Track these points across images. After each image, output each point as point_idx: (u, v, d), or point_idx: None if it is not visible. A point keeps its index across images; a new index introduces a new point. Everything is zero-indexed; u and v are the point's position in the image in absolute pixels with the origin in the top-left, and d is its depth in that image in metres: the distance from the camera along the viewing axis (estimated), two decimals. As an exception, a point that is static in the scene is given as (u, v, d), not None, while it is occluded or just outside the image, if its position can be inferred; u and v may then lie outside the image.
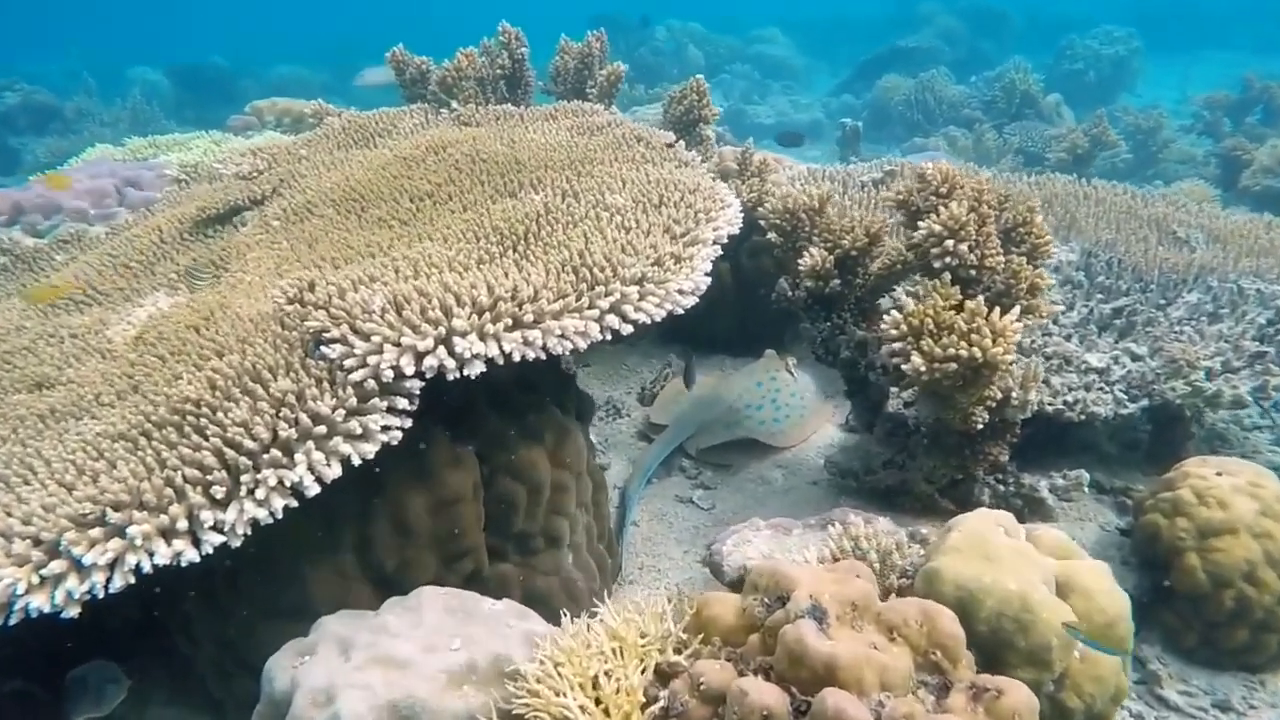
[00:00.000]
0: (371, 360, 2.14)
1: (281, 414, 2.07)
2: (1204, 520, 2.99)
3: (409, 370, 2.14)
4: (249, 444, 1.99)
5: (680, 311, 2.62)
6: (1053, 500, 3.32)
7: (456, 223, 3.03)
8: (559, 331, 2.30)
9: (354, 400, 2.12)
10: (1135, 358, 3.72)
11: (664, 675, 1.88)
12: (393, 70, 5.05)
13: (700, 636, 1.91)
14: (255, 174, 3.99)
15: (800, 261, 3.38)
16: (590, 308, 2.40)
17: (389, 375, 2.14)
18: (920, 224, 2.92)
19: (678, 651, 1.92)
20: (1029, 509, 3.32)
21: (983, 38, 18.55)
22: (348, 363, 2.15)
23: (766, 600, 1.86)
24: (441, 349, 2.17)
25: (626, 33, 17.39)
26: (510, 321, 2.26)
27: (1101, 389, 3.55)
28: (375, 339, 2.16)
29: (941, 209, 2.87)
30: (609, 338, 2.44)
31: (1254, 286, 4.04)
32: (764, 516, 3.69)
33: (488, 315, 2.23)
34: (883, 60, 16.21)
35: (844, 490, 3.70)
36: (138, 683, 2.69)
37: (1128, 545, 3.45)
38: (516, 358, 2.25)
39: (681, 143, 3.92)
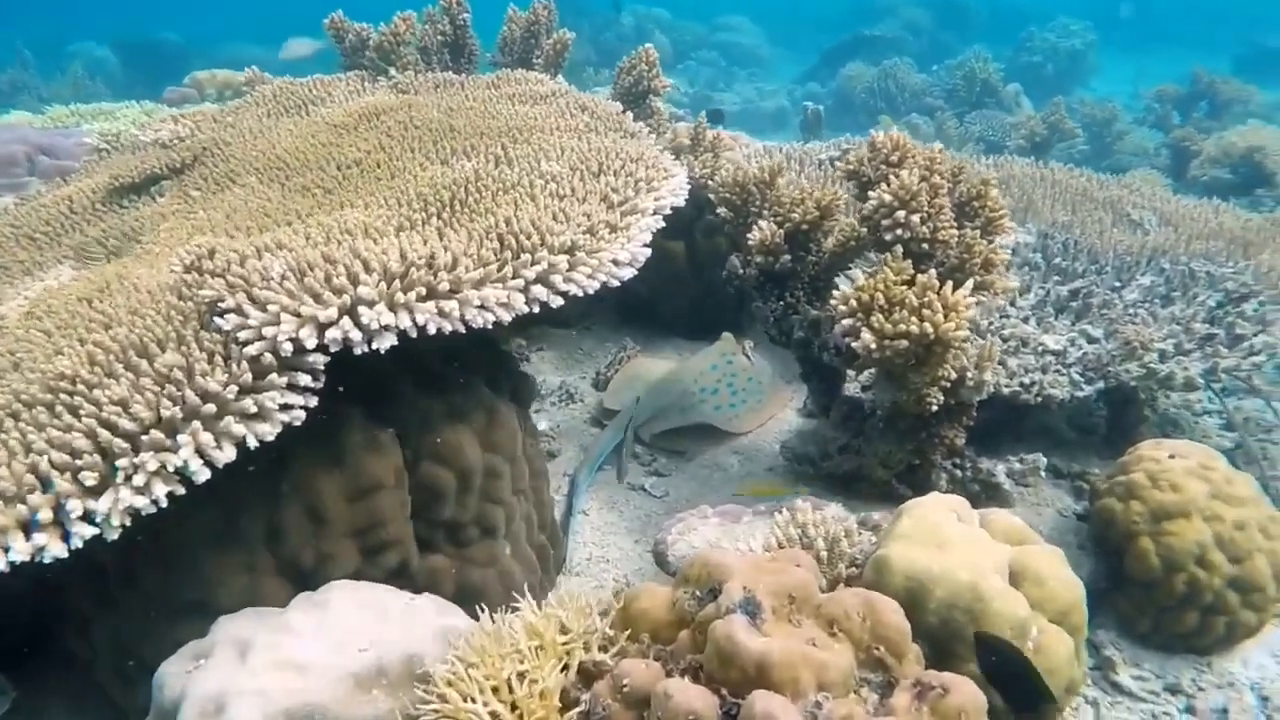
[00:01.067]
0: (268, 332, 1.94)
1: (166, 391, 1.87)
2: (1157, 504, 2.91)
3: (310, 343, 1.95)
4: (126, 424, 1.79)
5: (616, 284, 2.45)
6: (1010, 485, 3.21)
7: (381, 190, 2.83)
8: (478, 302, 2.12)
9: (249, 376, 1.93)
10: (1091, 340, 3.62)
11: (589, 675, 1.72)
12: (332, 37, 4.81)
13: (628, 633, 1.75)
14: (176, 141, 3.76)
15: (749, 236, 3.23)
16: (514, 277, 2.23)
17: (288, 349, 1.94)
18: (871, 194, 2.77)
19: (604, 649, 1.75)
20: (986, 494, 3.20)
21: (945, 29, 18.59)
22: (242, 335, 1.95)
23: (698, 593, 1.71)
24: (346, 320, 1.98)
25: (591, 16, 17.15)
26: (424, 291, 2.08)
27: (1058, 371, 3.44)
28: (272, 308, 1.97)
29: (892, 178, 2.73)
30: (536, 310, 2.27)
31: (1204, 269, 3.96)
32: (717, 504, 3.56)
33: (398, 284, 2.05)
34: (847, 48, 16.16)
35: (800, 477, 3.57)
36: (30, 693, 2.48)
37: (1085, 530, 3.36)
38: (431, 330, 2.07)
39: (629, 114, 3.74)
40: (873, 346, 2.51)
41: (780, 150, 4.93)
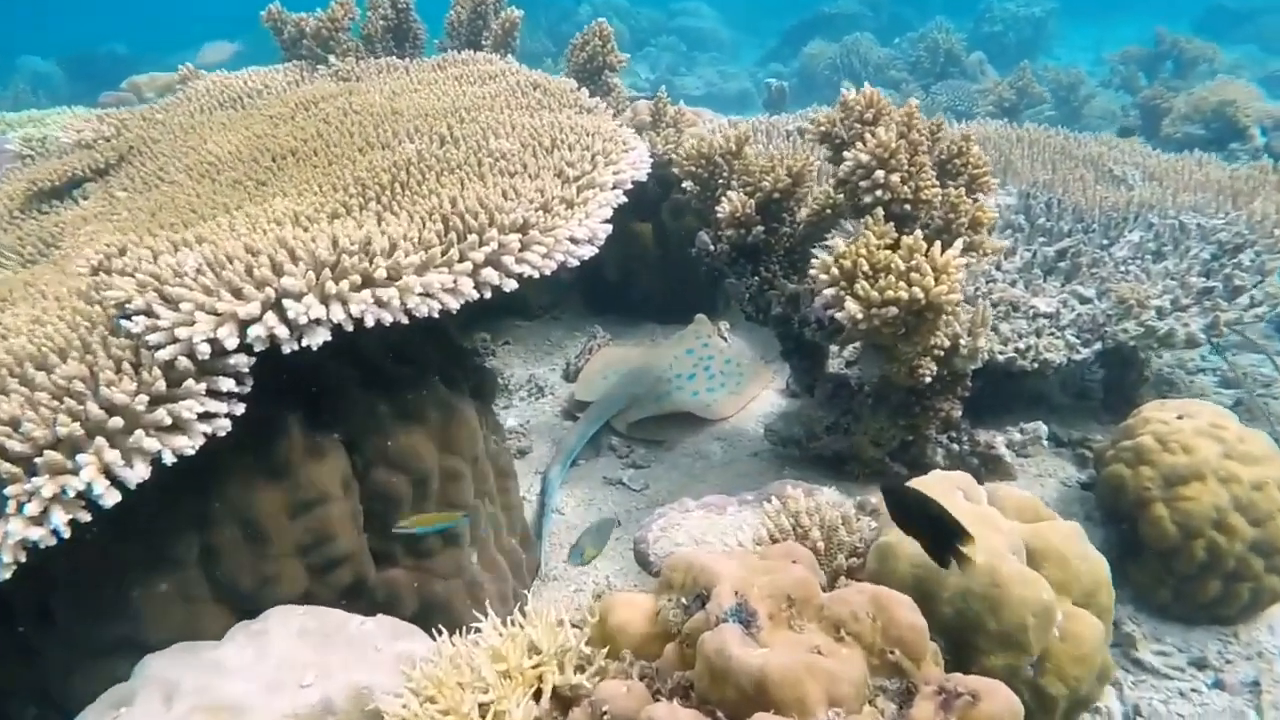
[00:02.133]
0: (182, 333, 1.71)
1: (65, 406, 1.63)
2: (1169, 467, 2.76)
3: (231, 343, 1.72)
4: (16, 446, 1.56)
5: (575, 263, 2.24)
6: (1011, 457, 3.02)
7: (317, 178, 2.59)
8: (420, 289, 1.90)
9: (161, 384, 1.69)
10: (1084, 300, 3.44)
11: (564, 701, 1.51)
12: (270, 30, 4.55)
13: (607, 650, 1.53)
14: (100, 140, 3.50)
15: (719, 209, 3.02)
16: (461, 260, 2.00)
17: (205, 351, 1.71)
18: (846, 155, 2.57)
19: (581, 670, 1.54)
20: (986, 468, 3.02)
21: (904, 3, 18.41)
22: (152, 338, 1.72)
23: (684, 600, 1.50)
24: (271, 315, 1.75)
25: (548, 8, 16.83)
26: (358, 279, 1.85)
27: (1053, 334, 3.26)
28: (186, 307, 1.73)
29: (868, 136, 2.52)
30: (487, 295, 2.05)
31: (1195, 221, 3.80)
32: (702, 495, 3.34)
33: (328, 273, 1.82)
34: (808, 27, 15.99)
35: (787, 460, 3.37)
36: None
37: (1091, 500, 3.19)
38: (370, 322, 1.85)
39: (585, 90, 3.52)
40: (859, 317, 2.30)
41: (746, 122, 4.72)
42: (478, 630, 1.65)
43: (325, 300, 1.82)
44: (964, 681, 1.36)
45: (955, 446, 3.07)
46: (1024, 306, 3.37)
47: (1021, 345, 3.06)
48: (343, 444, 2.17)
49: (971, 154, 2.76)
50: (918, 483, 2.08)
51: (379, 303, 1.86)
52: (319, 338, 1.80)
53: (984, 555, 1.83)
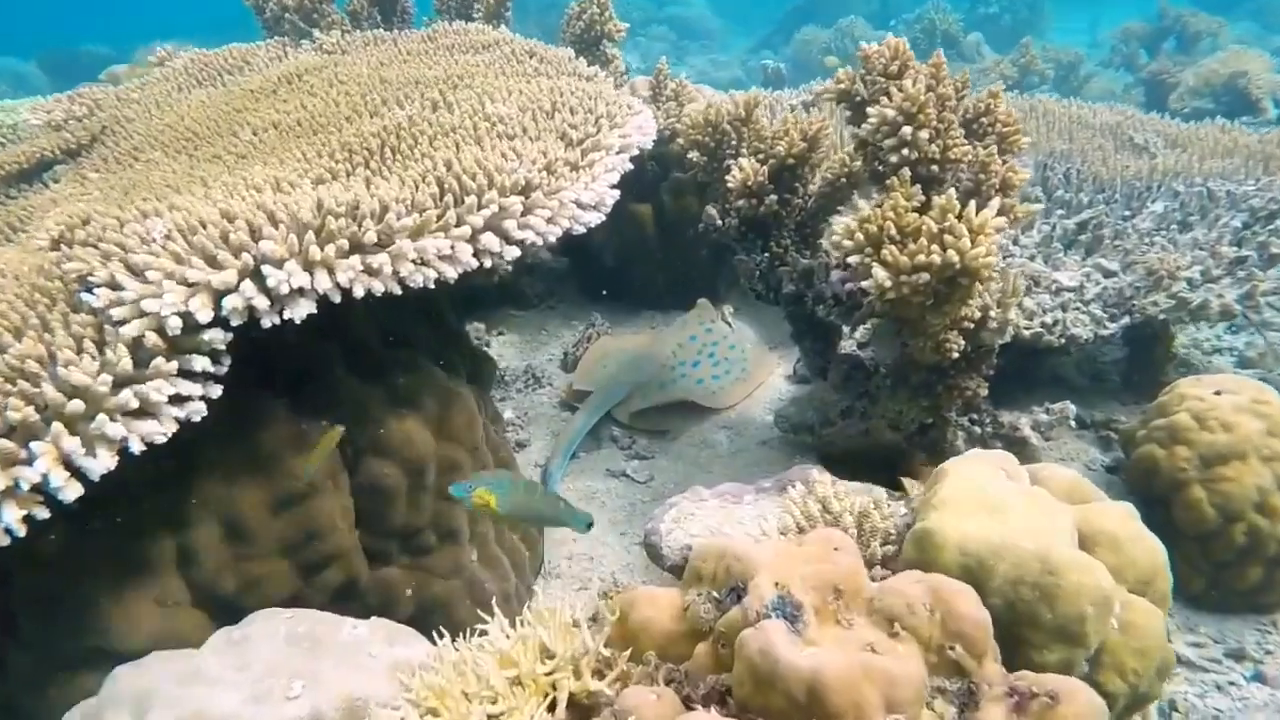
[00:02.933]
0: (149, 305, 1.53)
1: (19, 389, 1.45)
2: (1207, 446, 2.61)
3: (204, 316, 1.55)
4: (-41, 434, 1.38)
5: (581, 230, 2.07)
6: (1037, 439, 2.86)
7: (300, 146, 2.41)
8: (414, 255, 1.72)
9: (127, 364, 1.51)
10: (1108, 273, 3.28)
11: (583, 711, 1.34)
12: (251, 9, 4.37)
13: (629, 651, 1.37)
14: (71, 121, 3.31)
15: (729, 178, 2.84)
16: (458, 224, 1.83)
17: (175, 325, 1.54)
18: (870, 111, 2.40)
19: (600, 675, 1.38)
20: (1010, 450, 2.84)
21: (896, -12, 18.25)
22: (116, 312, 1.54)
23: (715, 594, 1.33)
24: (248, 284, 1.57)
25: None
26: (345, 244, 1.67)
27: (1078, 309, 3.10)
28: (154, 276, 1.56)
29: (894, 90, 2.35)
30: (488, 264, 1.88)
31: (1224, 189, 3.64)
32: (710, 485, 3.18)
33: (312, 237, 1.64)
34: (800, 12, 15.82)
35: (799, 447, 3.20)
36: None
37: (1118, 484, 3.04)
38: (359, 292, 1.67)
39: (582, 60, 3.35)
40: (887, 284, 2.14)
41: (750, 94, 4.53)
42: (483, 633, 1.48)
43: (309, 267, 1.64)
44: (1039, 681, 1.20)
45: (977, 429, 2.90)
46: (1045, 280, 3.21)
47: (1049, 320, 2.90)
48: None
49: (1000, 112, 2.59)
50: (958, 460, 1.92)
51: (369, 270, 1.69)
52: (303, 309, 1.63)
53: (1034, 540, 1.67)
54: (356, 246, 1.70)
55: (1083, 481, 1.91)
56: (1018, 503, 1.74)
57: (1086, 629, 1.60)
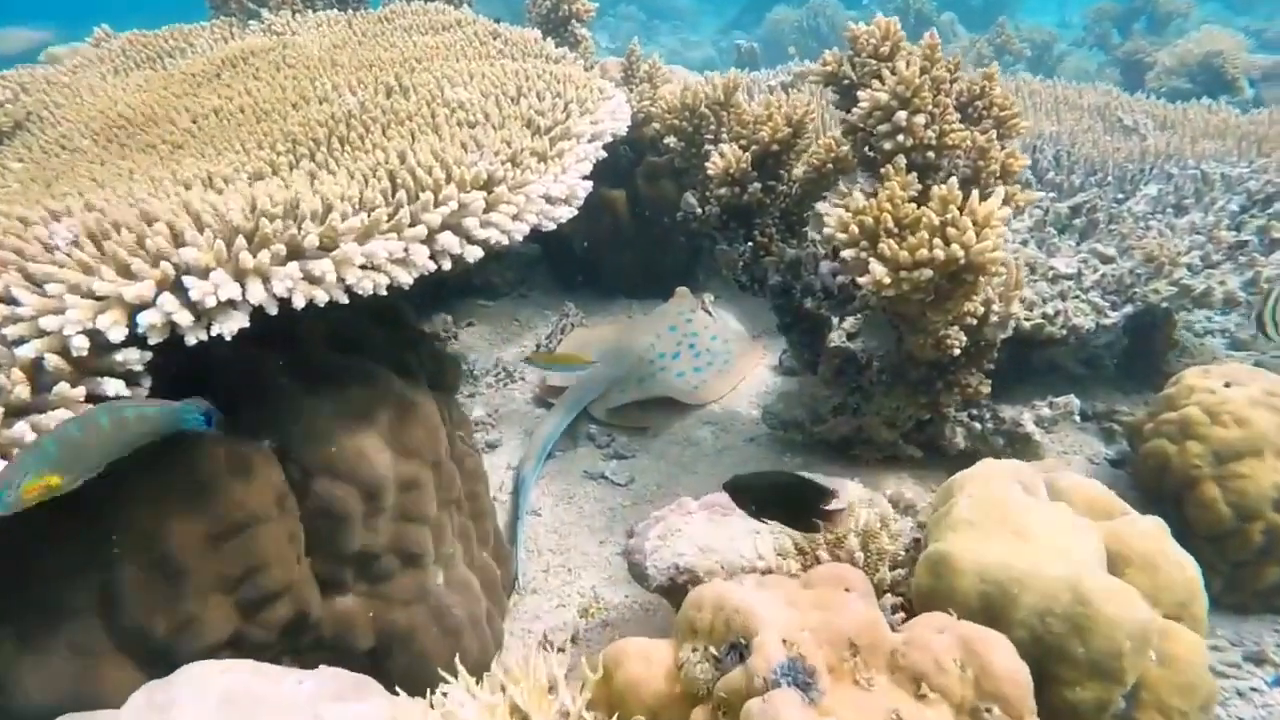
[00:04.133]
0: (49, 323, 1.32)
1: (-107, 424, 1.24)
2: (1220, 441, 2.48)
3: (116, 335, 1.34)
4: None
5: (550, 226, 1.87)
6: (1040, 435, 2.72)
7: (240, 136, 2.20)
8: (363, 260, 1.52)
9: (23, 391, 1.30)
10: (1106, 259, 3.14)
11: (560, 782, 1.16)
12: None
13: (615, 718, 1.19)
14: (-7, 108, 3.04)
15: (709, 165, 2.66)
16: (413, 224, 1.63)
17: (81, 345, 1.33)
18: (860, 95, 2.21)
19: (580, 741, 1.20)
20: (1013, 448, 2.71)
21: (868, -34, 18.07)
22: (10, 330, 1.33)
23: (714, 651, 1.15)
24: (168, 297, 1.37)
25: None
26: (283, 250, 1.47)
27: (1077, 298, 2.95)
28: (55, 289, 1.34)
29: (886, 73, 2.17)
30: (446, 266, 1.68)
31: (1218, 171, 3.51)
32: (694, 488, 2.99)
33: (243, 243, 1.43)
34: (771, -8, 15.60)
35: (788, 445, 3.04)
36: None
37: (1124, 479, 2.90)
38: (299, 302, 1.47)
39: (550, 40, 3.13)
40: (885, 281, 1.96)
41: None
42: (445, 695, 1.29)
43: (240, 276, 1.43)
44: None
45: (977, 425, 2.75)
46: (1041, 268, 3.06)
47: (1049, 310, 2.75)
48: (274, 452, 1.79)
49: (996, 95, 2.42)
50: (974, 474, 1.75)
51: (310, 278, 1.48)
52: (233, 324, 1.42)
53: (1063, 565, 1.51)
54: (296, 251, 1.50)
55: (1107, 494, 1.76)
56: (1042, 522, 1.58)
57: (1123, 664, 1.44)
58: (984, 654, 1.13)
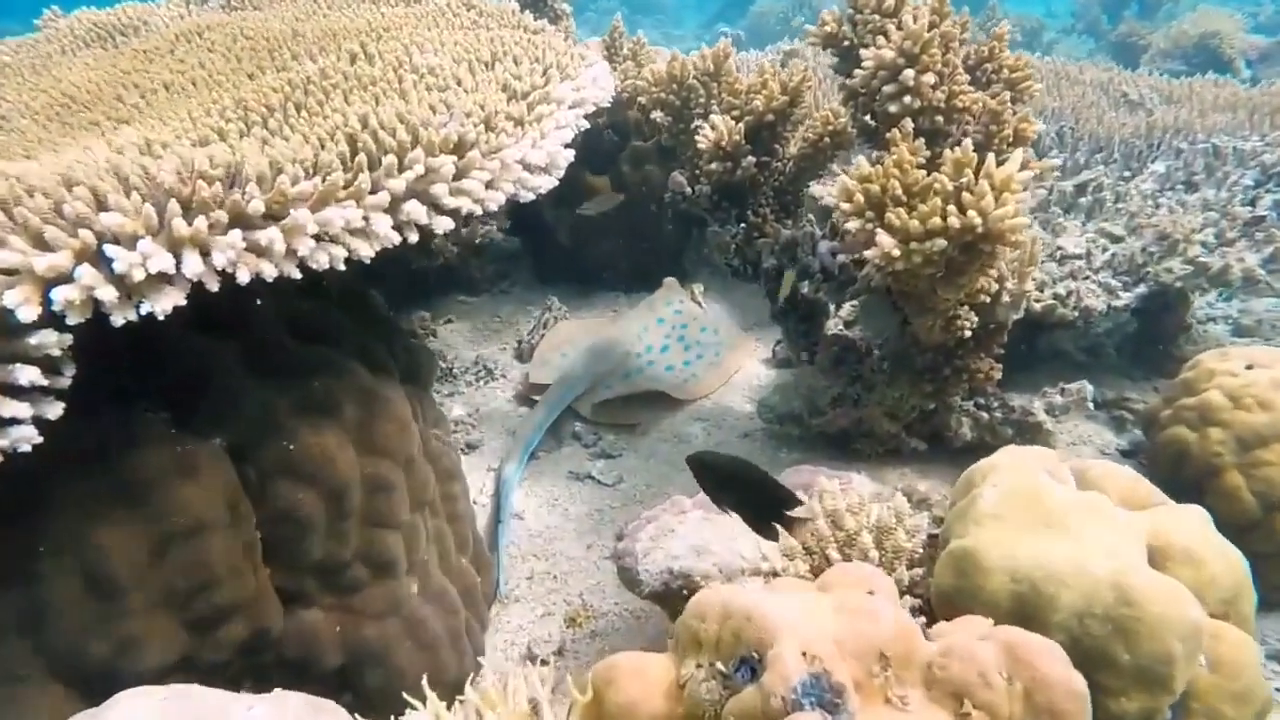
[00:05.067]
0: (-54, 302, 1.14)
1: None
2: (1244, 427, 2.35)
3: (27, 314, 1.16)
4: None
5: (529, 196, 1.70)
6: (1051, 424, 2.56)
7: (189, 106, 2.02)
8: (316, 229, 1.35)
9: (-83, 379, 1.12)
10: (1115, 239, 3.00)
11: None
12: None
13: (605, 745, 1.02)
14: (-69, 91, 2.84)
15: (699, 139, 2.49)
16: (374, 190, 1.45)
17: (-15, 326, 1.15)
18: (864, 54, 2.06)
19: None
20: (1023, 438, 2.55)
21: (851, -43, 17.96)
22: (-99, 311, 1.14)
23: (721, 667, 0.99)
24: (88, 270, 1.19)
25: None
26: (224, 216, 1.29)
27: (1087, 279, 2.81)
28: (-49, 262, 1.16)
29: (892, 29, 2.02)
30: (413, 238, 1.51)
31: (1230, 145, 3.37)
32: (685, 488, 2.81)
33: (177, 208, 1.25)
34: (755, -17, 15.48)
35: (785, 440, 2.88)
36: None
37: (1135, 469, 2.76)
38: (243, 277, 1.30)
39: (528, 13, 2.96)
40: (894, 254, 1.80)
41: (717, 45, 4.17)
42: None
43: (175, 247, 1.26)
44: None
45: (985, 415, 2.60)
46: (1049, 248, 2.91)
47: (1060, 290, 2.60)
48: (226, 451, 1.61)
49: (1005, 58, 2.27)
50: (997, 462, 1.60)
51: (255, 249, 1.31)
52: (167, 301, 1.24)
53: (1104, 561, 1.35)
54: (239, 219, 1.32)
55: (1142, 482, 1.61)
56: (1077, 513, 1.42)
57: (1173, 671, 1.29)
58: (1034, 663, 0.97)
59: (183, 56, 2.63)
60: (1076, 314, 2.63)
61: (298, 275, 1.36)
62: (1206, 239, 2.86)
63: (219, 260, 1.27)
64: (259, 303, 1.75)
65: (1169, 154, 3.37)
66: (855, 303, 2.72)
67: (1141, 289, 2.76)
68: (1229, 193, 3.08)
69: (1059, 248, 2.90)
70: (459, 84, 1.95)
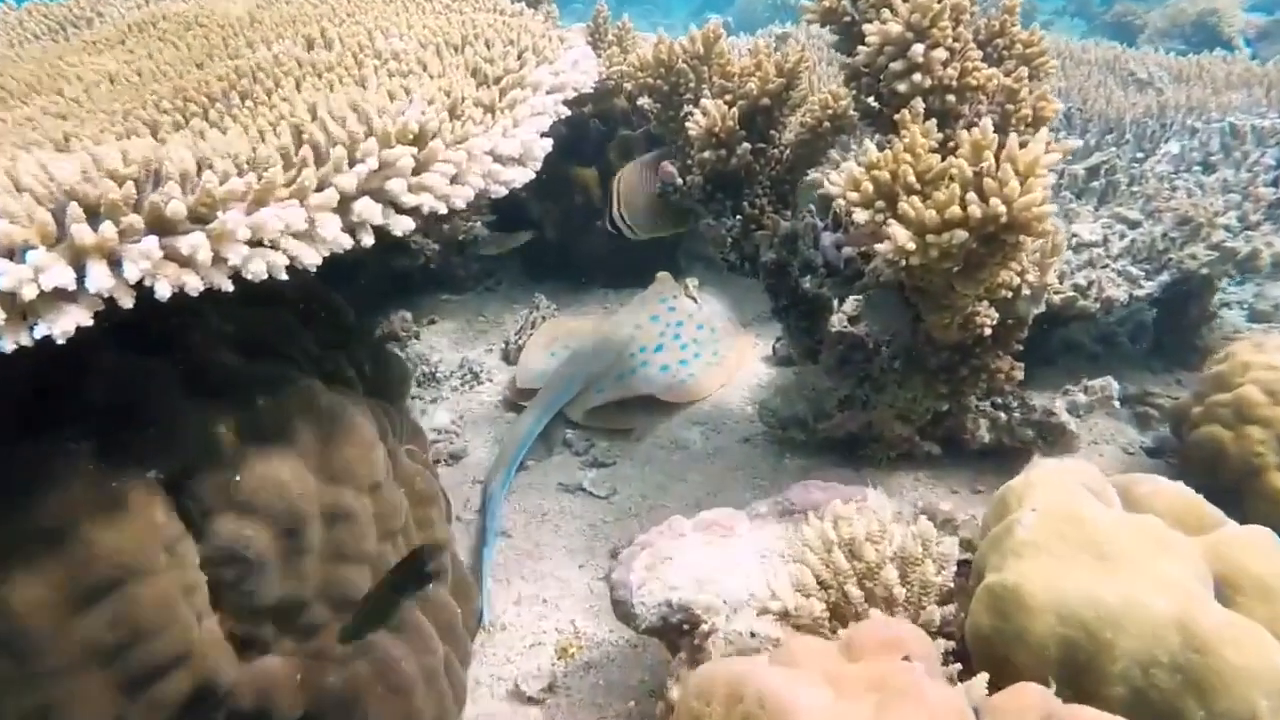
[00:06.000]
0: None
1: None
2: (1288, 424, 2.16)
3: (-109, 342, 0.97)
4: None
5: (501, 191, 1.52)
6: (1075, 425, 2.39)
7: (126, 100, 1.83)
8: (248, 234, 1.16)
9: None
10: (1132, 224, 2.82)
11: None
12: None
13: None
14: None
15: (690, 125, 2.31)
16: (321, 189, 1.27)
17: None
18: (867, 30, 1.87)
19: None
20: (1045, 440, 2.38)
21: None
22: None
23: (731, 762, 0.81)
24: (-35, 288, 1.00)
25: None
26: (139, 221, 1.10)
27: (1106, 267, 2.63)
28: None
29: (898, 1, 1.83)
30: (367, 241, 1.32)
31: (1249, 123, 3.20)
32: (684, 499, 2.65)
33: (78, 212, 1.06)
34: (742, -28, 15.28)
35: (789, 445, 2.70)
36: None
37: (1165, 470, 2.59)
38: (163, 291, 1.11)
39: (506, -4, 2.77)
40: (910, 248, 1.62)
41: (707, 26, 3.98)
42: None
43: (77, 257, 1.07)
44: None
45: (1003, 416, 2.42)
46: (1063, 235, 2.74)
47: (1080, 281, 2.42)
48: (162, 485, 1.43)
49: (1017, 33, 2.09)
50: (1033, 479, 1.42)
51: (176, 258, 1.12)
52: (67, 322, 1.06)
53: (1168, 598, 1.17)
54: (157, 223, 1.13)
55: (1197, 500, 1.43)
56: (1130, 540, 1.25)
57: (1254, 729, 1.11)
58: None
59: (132, 47, 2.44)
60: (1098, 305, 2.45)
61: (229, 288, 1.17)
62: (1230, 222, 2.69)
63: (132, 272, 1.08)
64: (200, 314, 1.57)
65: (1183, 134, 3.19)
66: (858, 299, 2.54)
67: (1164, 277, 2.58)
68: (1250, 173, 2.91)
69: (1074, 235, 2.73)
70: (424, 69, 1.76)
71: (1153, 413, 2.73)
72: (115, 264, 1.09)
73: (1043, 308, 2.13)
